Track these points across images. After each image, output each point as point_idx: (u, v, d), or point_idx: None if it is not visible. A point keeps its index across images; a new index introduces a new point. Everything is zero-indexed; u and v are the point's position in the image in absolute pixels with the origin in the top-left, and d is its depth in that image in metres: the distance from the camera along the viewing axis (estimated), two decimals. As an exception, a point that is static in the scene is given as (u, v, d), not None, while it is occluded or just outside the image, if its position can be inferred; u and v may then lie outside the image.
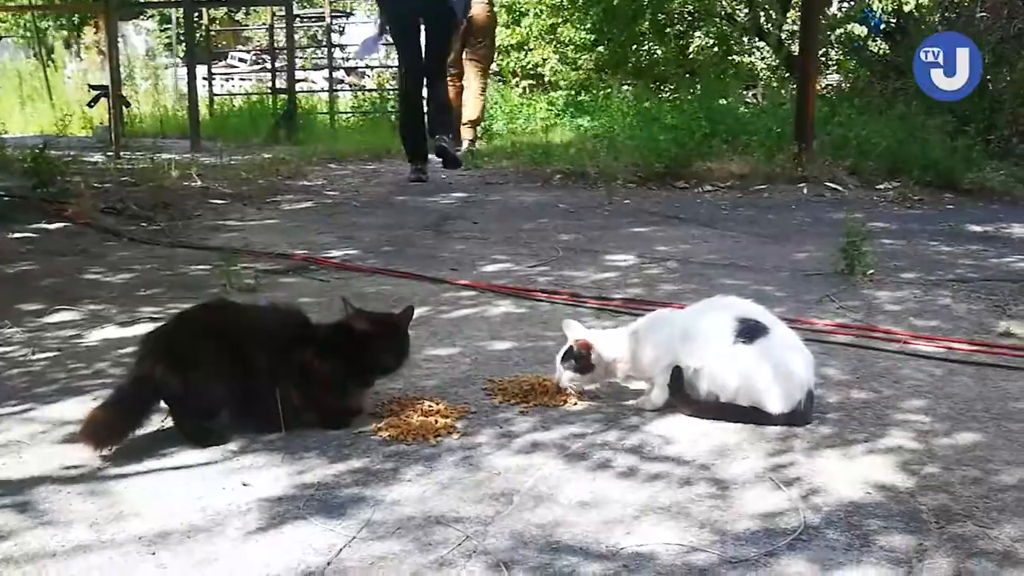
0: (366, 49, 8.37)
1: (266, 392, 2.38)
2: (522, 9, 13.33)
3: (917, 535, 1.89)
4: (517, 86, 13.71)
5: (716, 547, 1.84)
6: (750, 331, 2.49)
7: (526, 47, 13.46)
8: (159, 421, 2.43)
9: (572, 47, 12.72)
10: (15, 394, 2.72)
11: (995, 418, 2.55)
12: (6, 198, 6.10)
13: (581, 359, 2.60)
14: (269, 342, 2.42)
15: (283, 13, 11.77)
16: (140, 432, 2.35)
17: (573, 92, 12.63)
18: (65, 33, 18.21)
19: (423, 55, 7.08)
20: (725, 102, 9.25)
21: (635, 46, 12.37)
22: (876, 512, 1.99)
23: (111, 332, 3.34)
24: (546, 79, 13.63)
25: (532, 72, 13.72)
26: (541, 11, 12.78)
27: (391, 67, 13.16)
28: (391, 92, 12.35)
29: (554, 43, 12.98)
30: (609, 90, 12.08)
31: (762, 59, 12.13)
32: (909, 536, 1.89)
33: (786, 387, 2.46)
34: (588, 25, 12.32)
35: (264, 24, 15.04)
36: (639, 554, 1.82)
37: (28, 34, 15.99)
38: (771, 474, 2.18)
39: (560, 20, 12.66)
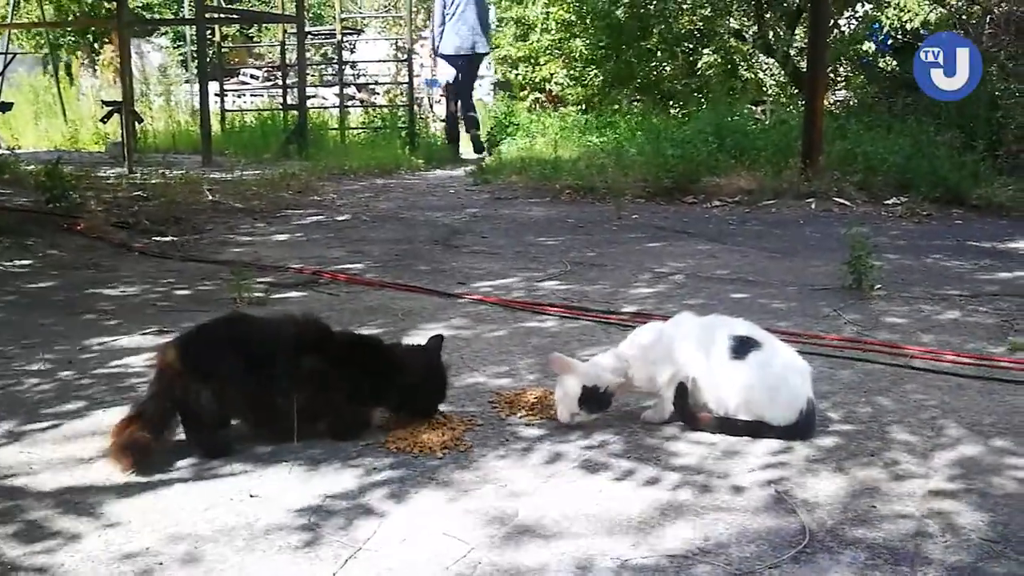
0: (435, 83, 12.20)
1: (281, 403, 2.40)
2: (530, 23, 13.36)
3: (922, 550, 1.90)
4: (525, 99, 13.74)
5: (721, 560, 1.85)
6: (743, 347, 2.51)
7: (534, 60, 13.48)
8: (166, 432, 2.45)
9: (581, 62, 12.73)
10: (27, 408, 2.74)
11: (1002, 432, 2.55)
12: (20, 212, 6.15)
13: (608, 398, 2.57)
14: (285, 353, 2.44)
15: (295, 30, 11.84)
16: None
17: (582, 107, 12.65)
18: (79, 51, 18.37)
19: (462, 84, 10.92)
20: (733, 118, 9.26)
21: (643, 62, 12.38)
22: (881, 526, 2.00)
23: (121, 344, 3.37)
24: (554, 93, 13.65)
25: (541, 86, 13.74)
26: (549, 27, 12.81)
27: (401, 83, 13.33)
28: (401, 108, 12.46)
29: (563, 57, 13.00)
30: (617, 106, 12.10)
31: (770, 75, 12.13)
32: (914, 551, 1.89)
33: (785, 400, 2.47)
34: (595, 41, 12.34)
35: (276, 41, 15.14)
36: (644, 566, 1.83)
37: (43, 50, 16.12)
38: (775, 488, 2.19)
39: (568, 36, 12.67)
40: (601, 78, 12.73)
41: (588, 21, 12.33)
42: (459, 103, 11.04)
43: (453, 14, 10.60)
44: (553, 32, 12.84)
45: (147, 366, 2.92)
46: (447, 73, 10.94)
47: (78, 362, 3.16)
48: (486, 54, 11.35)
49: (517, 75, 13.89)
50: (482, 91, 15.19)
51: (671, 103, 12.18)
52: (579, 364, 2.61)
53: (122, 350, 3.31)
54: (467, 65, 10.90)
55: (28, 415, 2.67)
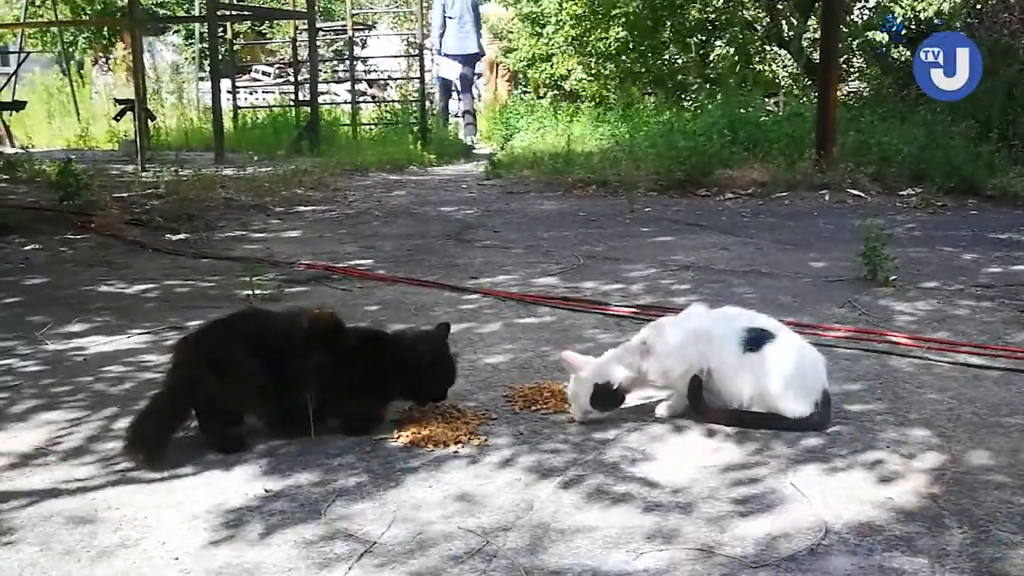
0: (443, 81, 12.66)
1: (295, 397, 2.40)
2: (545, 20, 13.29)
3: (939, 541, 1.88)
4: (543, 97, 13.72)
5: (738, 551, 1.84)
6: (758, 339, 2.50)
7: (547, 58, 13.43)
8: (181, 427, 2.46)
9: (596, 57, 12.67)
10: (39, 404, 2.75)
11: (1019, 423, 2.53)
12: (34, 210, 6.18)
13: (620, 395, 2.56)
14: (298, 348, 2.44)
15: (306, 27, 11.86)
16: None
17: (597, 103, 12.58)
18: (91, 50, 18.46)
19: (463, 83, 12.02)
20: (746, 110, 9.23)
21: (656, 55, 12.33)
22: (898, 518, 1.98)
23: (135, 340, 3.38)
24: (569, 89, 13.61)
25: (558, 84, 13.71)
26: (562, 22, 12.76)
27: (413, 78, 13.37)
28: (413, 104, 12.49)
29: (578, 55, 12.94)
30: (631, 100, 12.07)
31: (783, 67, 12.07)
32: (931, 542, 1.88)
33: (800, 392, 2.46)
34: (611, 35, 12.27)
35: (287, 38, 15.17)
36: (660, 559, 1.82)
37: (55, 49, 16.21)
38: (791, 481, 2.18)
39: (582, 31, 12.61)
40: (617, 72, 12.68)
41: (602, 15, 12.26)
42: (460, 102, 12.26)
43: (453, 17, 11.64)
44: (567, 28, 12.78)
45: (161, 362, 2.93)
46: (451, 71, 11.89)
47: (92, 359, 3.18)
48: (481, 55, 12.65)
49: (531, 72, 13.86)
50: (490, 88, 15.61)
51: (683, 96, 12.14)
52: (590, 361, 2.60)
53: (135, 346, 3.32)
54: (467, 65, 12.00)
55: (40, 412, 2.68)
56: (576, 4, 12.42)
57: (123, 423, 2.47)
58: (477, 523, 1.98)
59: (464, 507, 2.06)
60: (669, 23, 12.09)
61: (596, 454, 2.35)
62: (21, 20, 13.93)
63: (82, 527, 1.98)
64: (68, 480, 2.21)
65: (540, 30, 13.45)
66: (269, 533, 1.95)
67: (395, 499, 2.10)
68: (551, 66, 13.53)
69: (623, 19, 11.94)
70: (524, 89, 14.35)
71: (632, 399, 2.66)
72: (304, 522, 1.99)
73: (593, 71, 12.92)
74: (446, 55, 11.75)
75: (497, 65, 15.38)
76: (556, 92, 13.89)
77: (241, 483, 2.19)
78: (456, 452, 2.36)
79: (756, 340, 2.50)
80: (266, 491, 2.14)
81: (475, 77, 13.22)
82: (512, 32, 14.46)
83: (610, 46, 12.35)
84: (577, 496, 2.11)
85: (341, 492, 2.13)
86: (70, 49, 16.62)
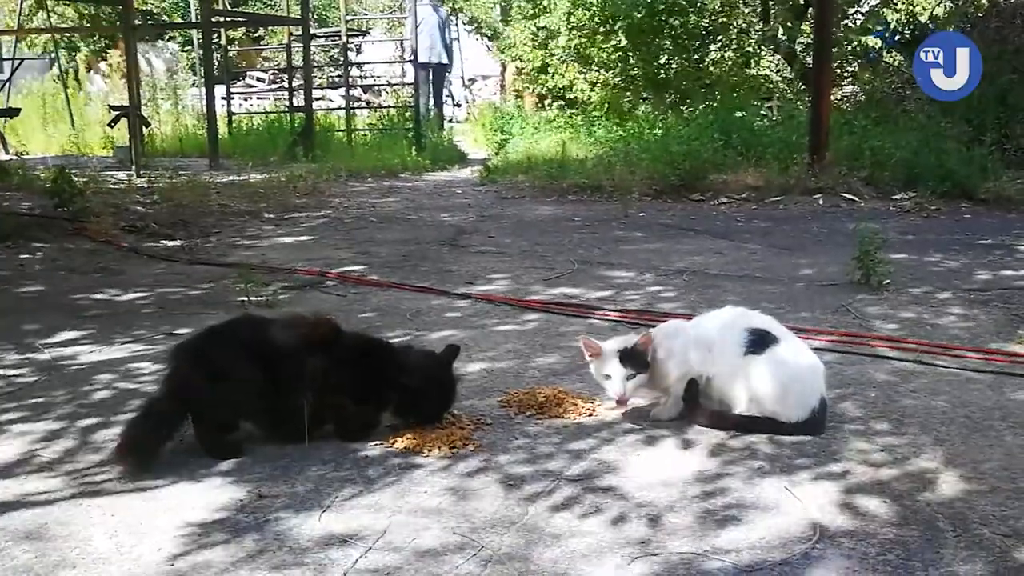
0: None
1: (290, 404, 2.40)
2: (551, 31, 13.23)
3: (934, 545, 1.89)
4: (545, 107, 13.70)
5: (731, 556, 1.85)
6: (760, 342, 2.50)
7: (553, 69, 13.38)
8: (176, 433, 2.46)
9: (601, 65, 12.61)
10: (32, 412, 2.75)
11: (1012, 427, 2.54)
12: (28, 216, 6.18)
13: (641, 355, 2.54)
14: (294, 354, 2.44)
15: (300, 33, 11.86)
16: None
17: (599, 112, 12.52)
18: (86, 55, 18.41)
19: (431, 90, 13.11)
20: (741, 115, 9.24)
21: (655, 61, 12.30)
22: (892, 522, 1.99)
23: (129, 347, 3.38)
24: (569, 97, 13.57)
25: (561, 94, 13.65)
26: (570, 37, 12.67)
27: (408, 84, 13.40)
28: (408, 109, 12.50)
29: (580, 63, 12.89)
30: (630, 105, 12.06)
31: (777, 72, 12.09)
32: (925, 546, 1.89)
33: (798, 397, 2.46)
34: (611, 44, 12.23)
35: (282, 44, 15.17)
36: (655, 563, 1.83)
37: (51, 56, 16.17)
38: (785, 485, 2.18)
39: (585, 39, 12.55)
40: (619, 80, 12.66)
41: (610, 23, 12.23)
42: (430, 104, 12.92)
43: (423, 29, 12.44)
44: (570, 38, 12.73)
45: (155, 369, 2.93)
46: (419, 77, 12.54)
47: (84, 366, 3.17)
48: (448, 66, 13.75)
49: (534, 84, 13.83)
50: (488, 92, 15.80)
51: (679, 99, 12.14)
52: (604, 342, 2.62)
53: (129, 354, 3.31)
54: (431, 74, 12.88)
55: (30, 418, 2.67)
56: (582, 13, 12.36)
57: (115, 430, 2.47)
58: (471, 528, 1.98)
59: (459, 512, 2.06)
60: (668, 30, 12.07)
61: (592, 458, 2.35)
62: (15, 27, 13.91)
63: (77, 533, 1.98)
64: (63, 486, 2.21)
65: (545, 41, 13.41)
66: (264, 539, 1.95)
67: (390, 505, 2.10)
68: (552, 77, 13.47)
69: (624, 27, 11.91)
70: (518, 96, 14.35)
71: (630, 402, 2.67)
72: (299, 527, 1.99)
73: (594, 80, 12.88)
74: (417, 63, 12.36)
75: (504, 72, 15.75)
76: (561, 102, 13.84)
77: (236, 489, 2.19)
78: (451, 458, 2.36)
79: (759, 343, 2.50)
80: (261, 496, 2.14)
81: (447, 86, 14.55)
82: (516, 46, 14.38)
83: (611, 54, 12.33)
84: (571, 501, 2.11)
85: (336, 497, 2.13)
86: (69, 52, 16.57)
